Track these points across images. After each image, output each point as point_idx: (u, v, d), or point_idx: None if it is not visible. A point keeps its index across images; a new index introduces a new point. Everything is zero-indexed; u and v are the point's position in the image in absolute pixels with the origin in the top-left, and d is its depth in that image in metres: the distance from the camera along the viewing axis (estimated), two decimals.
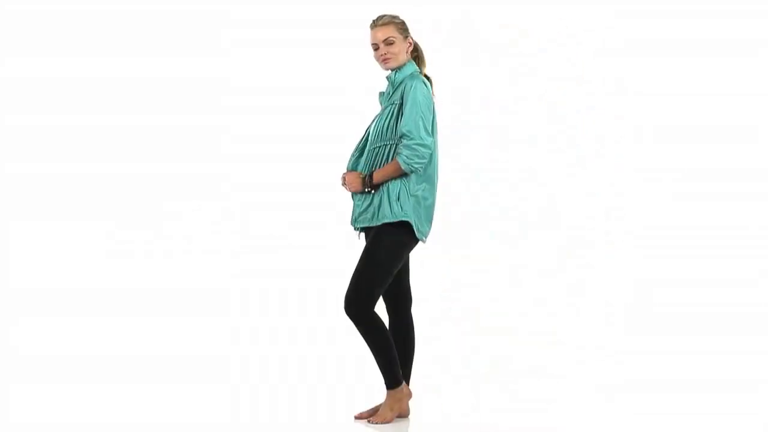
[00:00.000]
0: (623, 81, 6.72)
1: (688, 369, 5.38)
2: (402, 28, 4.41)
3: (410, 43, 4.44)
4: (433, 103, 4.34)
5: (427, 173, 4.34)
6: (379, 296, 4.33)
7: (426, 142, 4.25)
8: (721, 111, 6.67)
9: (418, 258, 4.84)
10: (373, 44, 4.42)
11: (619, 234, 6.65)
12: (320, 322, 6.25)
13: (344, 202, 6.44)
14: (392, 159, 4.30)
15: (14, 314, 6.30)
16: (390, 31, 4.37)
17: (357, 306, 4.29)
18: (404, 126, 4.25)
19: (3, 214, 6.64)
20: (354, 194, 4.42)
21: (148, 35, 6.75)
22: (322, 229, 6.59)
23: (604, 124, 6.74)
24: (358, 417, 4.47)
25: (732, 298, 6.34)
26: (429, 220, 4.36)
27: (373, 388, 4.82)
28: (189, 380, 5.23)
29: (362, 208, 4.37)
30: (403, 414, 4.43)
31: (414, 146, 4.24)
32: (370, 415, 4.44)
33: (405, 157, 4.24)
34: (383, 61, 4.39)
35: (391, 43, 4.37)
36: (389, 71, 4.42)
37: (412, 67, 4.42)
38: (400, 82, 4.37)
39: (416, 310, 4.60)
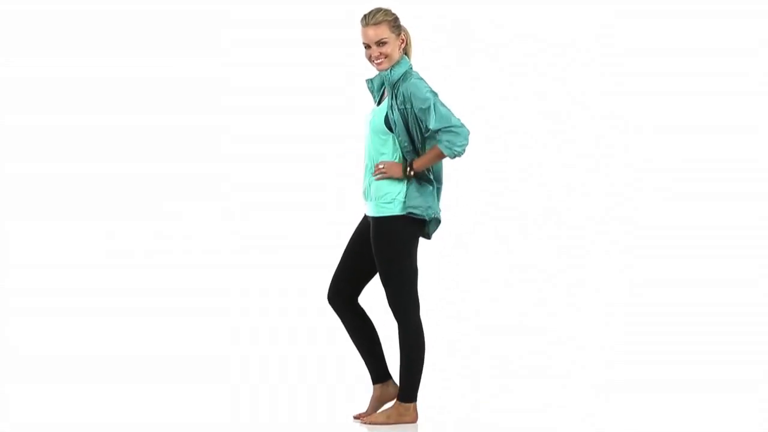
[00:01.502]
0: (623, 81, 6.72)
1: (688, 369, 5.38)
2: (395, 25, 4.30)
3: (403, 40, 4.35)
4: None
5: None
6: (416, 294, 4.31)
7: (462, 124, 4.19)
8: (721, 111, 6.66)
9: (418, 257, 4.83)
10: (364, 43, 4.37)
11: (619, 234, 6.65)
12: (320, 322, 6.25)
13: (344, 202, 6.44)
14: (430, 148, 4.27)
15: (14, 314, 6.30)
16: (383, 32, 4.27)
17: (400, 308, 4.30)
18: (435, 123, 4.19)
19: (3, 214, 6.64)
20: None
21: (147, 35, 6.74)
22: (323, 229, 6.58)
23: (604, 123, 6.73)
24: (358, 417, 4.48)
25: (732, 298, 6.33)
26: (433, 197, 4.33)
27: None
28: (189, 380, 5.23)
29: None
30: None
31: (456, 130, 4.18)
32: (368, 414, 4.45)
33: (447, 143, 4.18)
34: (376, 63, 4.33)
35: (384, 44, 4.30)
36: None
37: (406, 63, 4.33)
38: (396, 81, 4.32)
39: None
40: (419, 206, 4.29)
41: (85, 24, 6.71)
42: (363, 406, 4.57)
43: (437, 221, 4.37)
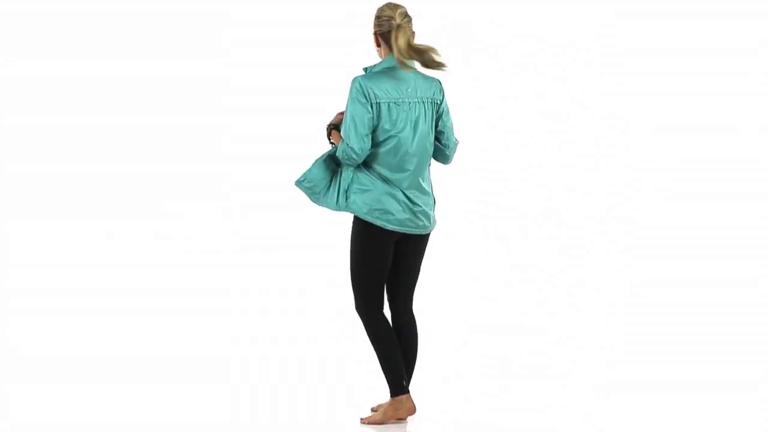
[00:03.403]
0: (623, 81, 6.72)
1: (688, 369, 5.38)
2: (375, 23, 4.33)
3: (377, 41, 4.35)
4: (371, 100, 4.26)
5: (371, 166, 4.33)
6: (375, 292, 4.32)
7: (351, 145, 4.29)
8: (721, 111, 6.67)
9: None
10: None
11: (619, 234, 6.65)
12: (320, 322, 6.25)
13: None
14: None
15: (14, 314, 6.30)
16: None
17: (358, 305, 4.33)
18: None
19: (3, 214, 6.64)
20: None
21: (148, 35, 6.74)
22: (323, 229, 6.58)
23: (604, 123, 6.74)
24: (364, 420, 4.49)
25: (732, 298, 6.34)
26: (379, 208, 4.30)
27: (375, 389, 4.82)
28: (189, 380, 5.23)
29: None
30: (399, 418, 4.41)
31: (348, 146, 4.30)
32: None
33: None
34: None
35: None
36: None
37: (383, 63, 4.34)
38: None
39: (415, 309, 4.59)
40: (361, 205, 4.33)
41: (85, 24, 6.72)
42: (363, 407, 4.57)
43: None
